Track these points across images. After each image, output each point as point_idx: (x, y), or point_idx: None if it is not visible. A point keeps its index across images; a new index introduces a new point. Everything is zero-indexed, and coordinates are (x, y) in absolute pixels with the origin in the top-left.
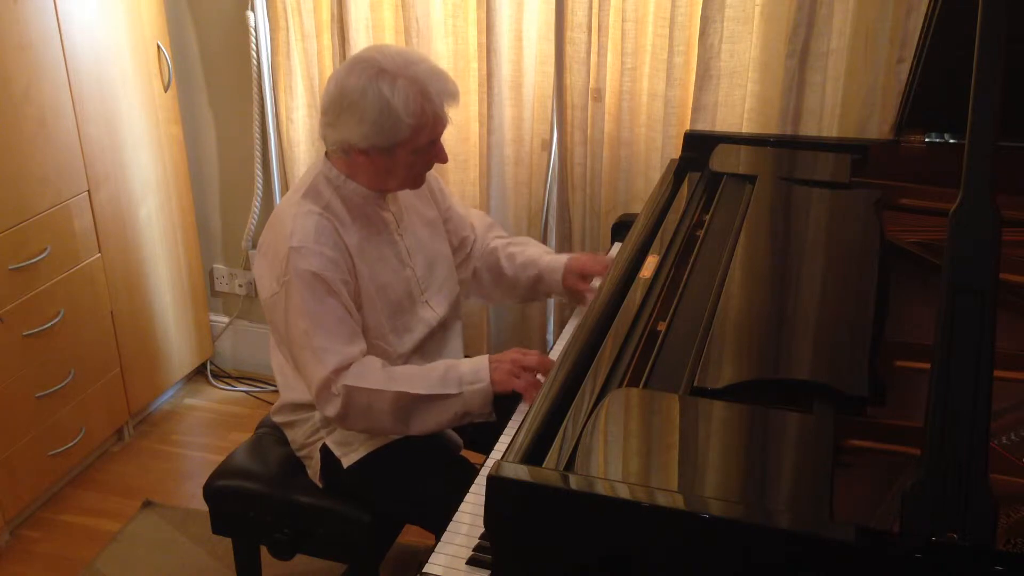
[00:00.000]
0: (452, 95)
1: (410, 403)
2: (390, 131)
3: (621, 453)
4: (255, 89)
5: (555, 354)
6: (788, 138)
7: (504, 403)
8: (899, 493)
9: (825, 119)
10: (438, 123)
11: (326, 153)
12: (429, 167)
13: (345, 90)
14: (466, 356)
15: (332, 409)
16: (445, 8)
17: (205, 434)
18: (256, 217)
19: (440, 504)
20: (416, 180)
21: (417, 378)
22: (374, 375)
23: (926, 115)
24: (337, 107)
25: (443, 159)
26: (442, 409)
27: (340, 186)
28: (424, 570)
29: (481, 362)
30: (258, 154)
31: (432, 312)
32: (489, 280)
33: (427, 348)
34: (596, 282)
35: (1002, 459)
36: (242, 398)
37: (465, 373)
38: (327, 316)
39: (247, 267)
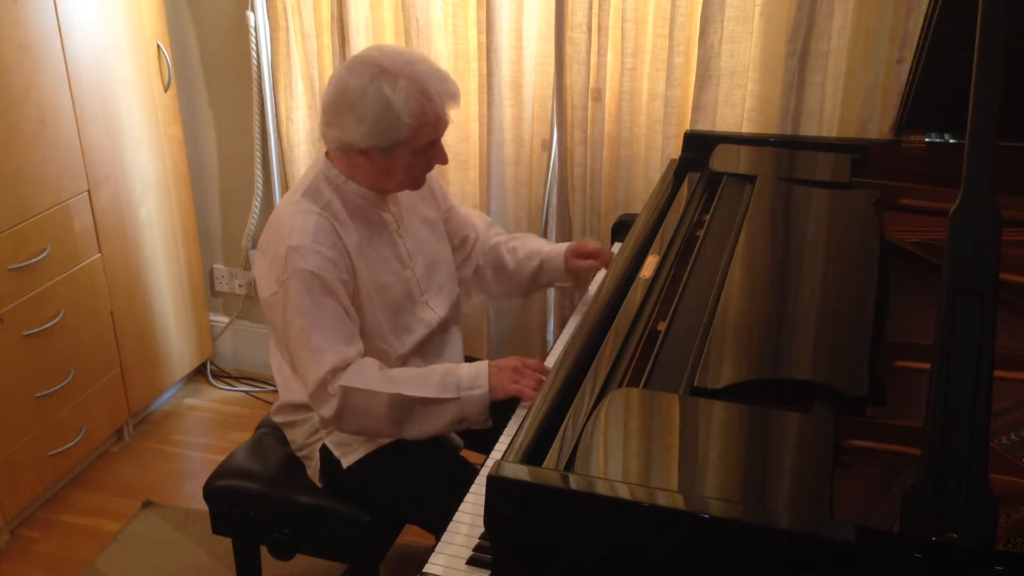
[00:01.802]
0: (453, 96)
1: (406, 406)
2: (390, 131)
3: (621, 453)
4: (255, 89)
5: (555, 354)
6: (788, 138)
7: (502, 406)
8: (899, 493)
9: (825, 119)
10: (439, 123)
11: (326, 153)
12: (429, 168)
13: (345, 90)
14: (466, 357)
15: (328, 409)
16: (445, 8)
17: (205, 434)
18: (256, 217)
19: (440, 504)
20: (416, 181)
21: (415, 381)
22: (371, 376)
23: (926, 115)
24: (337, 107)
25: (443, 160)
26: (439, 414)
27: (340, 186)
28: (424, 570)
29: (480, 367)
30: (258, 154)
31: (432, 313)
32: (492, 276)
33: (427, 349)
34: (599, 276)
35: (1002, 459)
36: (242, 398)
37: (463, 378)
38: (324, 315)
39: (247, 267)
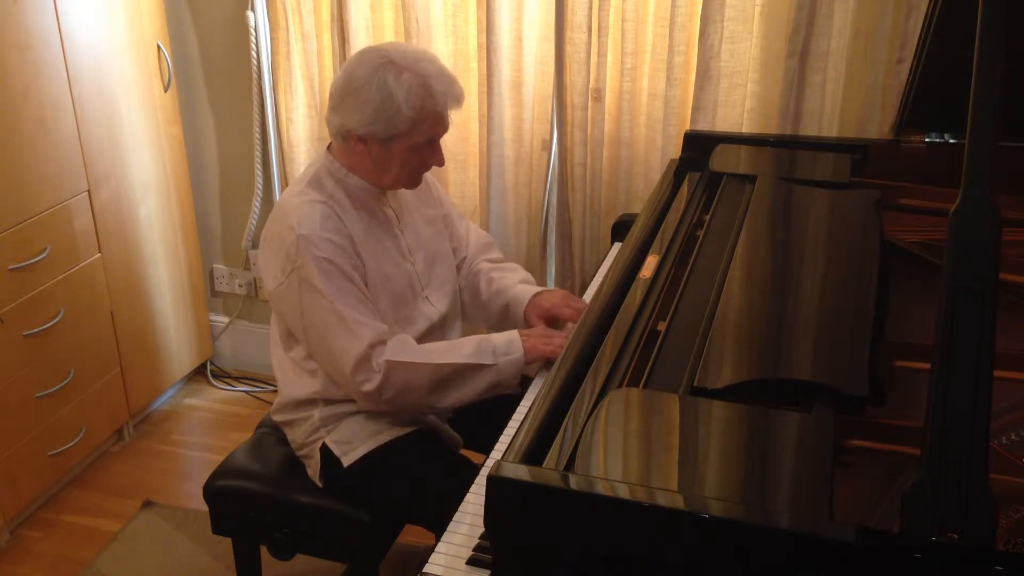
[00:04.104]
0: (456, 98)
1: (448, 375)
2: (389, 121)
3: (621, 453)
4: (255, 89)
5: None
6: (788, 138)
7: (505, 401)
8: (899, 493)
9: (825, 119)
10: (438, 122)
11: (328, 147)
12: (426, 168)
13: (352, 76)
14: None
15: (370, 384)
16: (445, 8)
17: (205, 434)
18: (256, 217)
19: (440, 503)
20: (412, 179)
21: (452, 351)
22: (412, 349)
23: (926, 115)
24: (343, 92)
25: (440, 162)
26: (477, 380)
27: (342, 179)
28: (424, 570)
29: (512, 335)
30: (258, 154)
31: (432, 308)
32: (468, 301)
33: (429, 343)
34: (599, 277)
35: (1002, 459)
36: (242, 398)
37: (498, 345)
38: (349, 295)
39: (247, 267)
